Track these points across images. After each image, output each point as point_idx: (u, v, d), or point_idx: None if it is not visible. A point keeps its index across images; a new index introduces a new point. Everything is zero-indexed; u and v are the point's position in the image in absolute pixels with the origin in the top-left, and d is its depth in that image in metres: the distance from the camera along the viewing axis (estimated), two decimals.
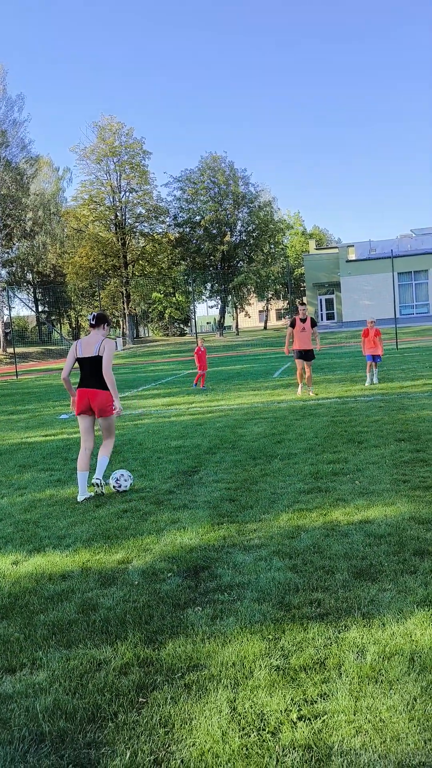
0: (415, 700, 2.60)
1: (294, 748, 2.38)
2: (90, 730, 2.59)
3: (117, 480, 6.29)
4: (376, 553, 4.14)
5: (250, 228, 56.59)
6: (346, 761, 2.29)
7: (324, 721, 2.52)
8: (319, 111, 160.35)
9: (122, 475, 6.33)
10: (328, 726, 2.49)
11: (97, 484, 6.24)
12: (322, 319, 51.41)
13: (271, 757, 2.34)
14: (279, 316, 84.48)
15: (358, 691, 2.69)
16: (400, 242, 48.41)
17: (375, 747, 2.35)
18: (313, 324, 12.81)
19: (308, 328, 12.67)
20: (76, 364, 6.49)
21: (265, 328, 69.20)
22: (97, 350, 6.24)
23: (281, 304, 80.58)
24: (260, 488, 6.01)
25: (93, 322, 6.43)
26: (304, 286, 58.83)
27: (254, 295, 61.20)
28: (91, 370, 6.27)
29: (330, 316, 52.11)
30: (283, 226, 61.06)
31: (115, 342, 6.16)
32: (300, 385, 12.86)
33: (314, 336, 12.85)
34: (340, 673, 2.84)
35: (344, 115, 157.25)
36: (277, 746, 2.40)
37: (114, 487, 6.30)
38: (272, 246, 58.49)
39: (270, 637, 3.20)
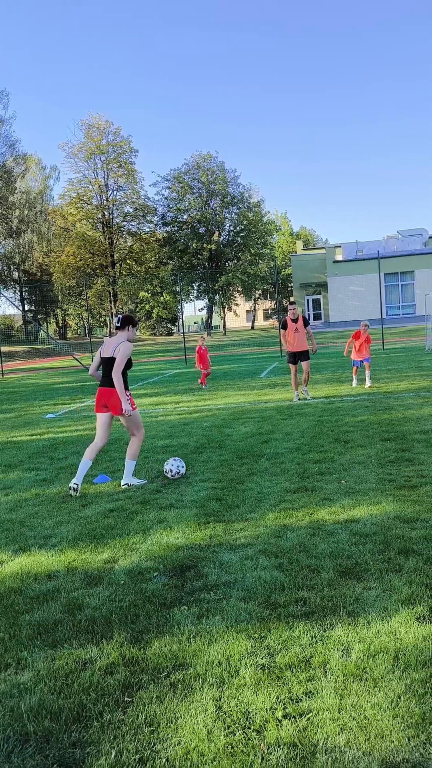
0: (399, 698, 2.62)
1: (279, 746, 2.39)
2: (75, 729, 2.59)
3: (172, 467, 6.58)
4: (362, 552, 4.17)
5: (239, 228, 56.65)
6: (330, 758, 2.31)
7: (309, 719, 2.54)
8: (307, 111, 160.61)
9: (177, 464, 6.64)
10: (313, 724, 2.50)
11: (126, 486, 6.45)
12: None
13: (256, 755, 2.35)
14: (266, 316, 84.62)
15: (343, 689, 2.71)
16: (386, 243, 48.64)
17: (359, 744, 2.37)
18: (306, 323, 12.00)
19: (301, 328, 11.85)
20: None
21: (252, 328, 69.30)
22: (113, 351, 6.40)
23: (269, 304, 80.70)
24: (247, 488, 6.02)
25: (118, 325, 6.58)
26: (291, 287, 58.97)
27: (241, 295, 61.23)
28: (107, 369, 6.45)
29: (317, 317, 52.27)
30: (271, 228, 61.19)
31: (130, 344, 6.41)
32: (295, 393, 12.00)
33: (308, 335, 12.03)
34: (326, 672, 2.85)
35: (334, 116, 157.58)
36: (262, 744, 2.41)
37: (173, 475, 6.57)
38: (260, 247, 58.54)
39: (256, 635, 3.21)
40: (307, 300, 52.85)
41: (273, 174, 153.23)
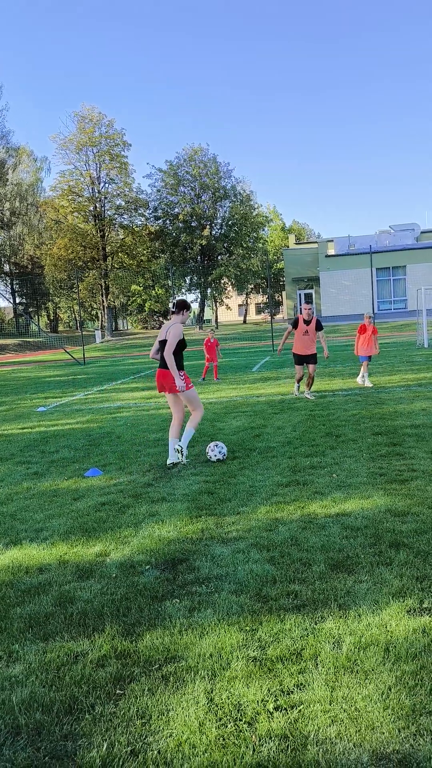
0: (390, 690, 2.64)
1: (270, 738, 2.40)
2: (67, 722, 2.59)
3: (213, 450, 6.88)
4: (353, 546, 4.18)
5: (231, 222, 56.48)
6: (321, 750, 2.32)
7: (300, 711, 2.55)
8: (307, 111, 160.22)
9: (216, 446, 6.93)
10: (304, 716, 2.52)
11: (178, 450, 6.79)
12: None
13: (247, 747, 2.36)
14: (258, 311, 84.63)
15: (334, 681, 2.72)
16: (378, 238, 48.66)
17: (350, 736, 2.39)
18: (319, 327, 11.14)
19: (312, 331, 11.05)
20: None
21: (244, 321, 69.24)
22: (166, 334, 6.79)
23: (261, 298, 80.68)
24: (238, 481, 6.03)
25: (173, 309, 6.94)
26: (283, 281, 58.95)
27: (234, 288, 61.12)
28: (163, 352, 6.85)
29: None
30: (262, 221, 61.07)
31: (180, 326, 6.64)
32: (296, 386, 11.79)
33: (320, 339, 11.26)
34: (317, 664, 2.87)
35: (334, 116, 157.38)
36: (253, 736, 2.42)
37: (213, 458, 6.88)
38: (252, 241, 58.40)
39: (247, 628, 3.22)
40: (299, 294, 52.88)
41: (273, 174, 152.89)
